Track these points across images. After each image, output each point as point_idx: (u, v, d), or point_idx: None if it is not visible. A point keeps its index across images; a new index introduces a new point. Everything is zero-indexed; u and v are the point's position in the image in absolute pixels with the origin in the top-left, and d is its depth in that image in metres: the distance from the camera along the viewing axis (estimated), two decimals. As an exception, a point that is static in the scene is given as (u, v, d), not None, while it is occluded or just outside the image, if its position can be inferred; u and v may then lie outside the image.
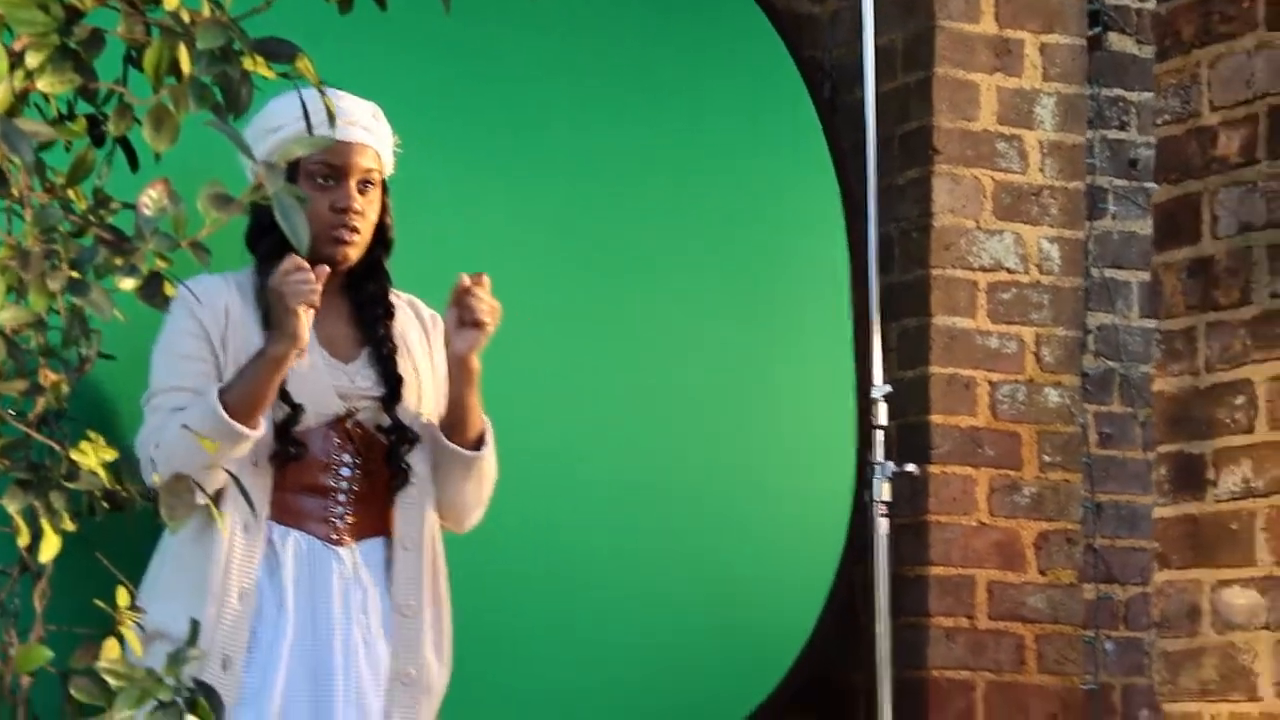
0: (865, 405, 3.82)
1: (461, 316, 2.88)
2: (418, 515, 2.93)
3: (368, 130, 2.93)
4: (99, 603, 1.66)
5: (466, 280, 2.87)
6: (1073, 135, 4.26)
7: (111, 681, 1.55)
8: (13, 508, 1.58)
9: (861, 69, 3.99)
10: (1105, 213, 4.58)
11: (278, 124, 2.88)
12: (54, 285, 1.49)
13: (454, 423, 2.93)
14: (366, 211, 2.91)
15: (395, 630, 2.89)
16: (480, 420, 2.94)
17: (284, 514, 2.88)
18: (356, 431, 2.92)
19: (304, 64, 1.56)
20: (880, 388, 3.74)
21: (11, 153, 1.45)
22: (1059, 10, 4.25)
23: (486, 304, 2.86)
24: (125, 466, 1.64)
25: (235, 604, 2.80)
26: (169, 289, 1.58)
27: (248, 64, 1.51)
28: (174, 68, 1.51)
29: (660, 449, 3.67)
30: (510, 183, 3.60)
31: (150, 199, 1.58)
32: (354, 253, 2.91)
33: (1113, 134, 4.61)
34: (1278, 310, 2.81)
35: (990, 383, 4.15)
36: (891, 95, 4.23)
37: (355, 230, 2.89)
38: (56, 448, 1.62)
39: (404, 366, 2.95)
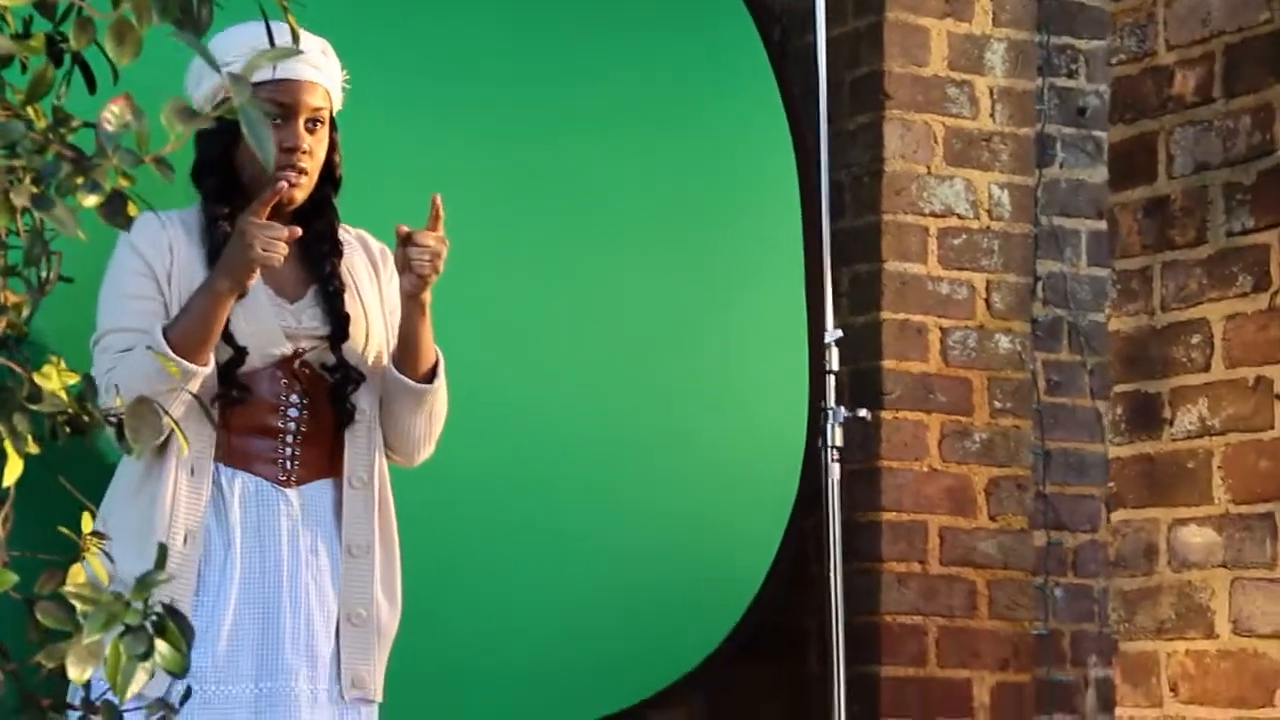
0: (818, 351, 3.81)
1: (406, 261, 2.86)
2: (365, 453, 2.90)
3: (317, 68, 2.90)
4: (63, 529, 1.63)
5: (405, 229, 2.85)
6: (1023, 81, 4.27)
7: (79, 606, 1.52)
8: (-25, 430, 1.55)
9: (813, 14, 3.98)
10: (1054, 160, 4.58)
11: (226, 59, 2.84)
12: (18, 201, 1.46)
13: (405, 355, 2.91)
14: (315, 150, 2.88)
15: (344, 570, 2.87)
16: (432, 353, 2.93)
17: (232, 456, 2.86)
18: (304, 371, 2.90)
19: None
20: (832, 333, 3.73)
21: (-31, 65, 1.43)
22: None
23: (430, 251, 2.84)
24: (88, 390, 1.61)
25: (181, 547, 2.78)
26: (132, 208, 1.54)
27: None
28: (135, -19, 1.51)
29: (611, 396, 3.66)
30: (460, 123, 3.57)
31: (112, 114, 1.51)
32: (300, 193, 2.87)
33: (1061, 82, 4.61)
34: (1234, 249, 2.82)
35: (941, 329, 4.16)
36: (842, 40, 4.22)
37: (303, 171, 2.86)
38: (19, 370, 1.59)
39: (351, 305, 2.93)
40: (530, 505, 3.56)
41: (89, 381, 1.62)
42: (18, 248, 1.58)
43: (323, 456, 2.91)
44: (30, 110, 1.58)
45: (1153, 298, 2.91)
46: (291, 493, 2.89)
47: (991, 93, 4.25)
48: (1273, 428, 2.76)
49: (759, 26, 3.93)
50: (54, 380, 1.61)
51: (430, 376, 2.92)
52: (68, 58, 1.66)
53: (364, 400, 2.92)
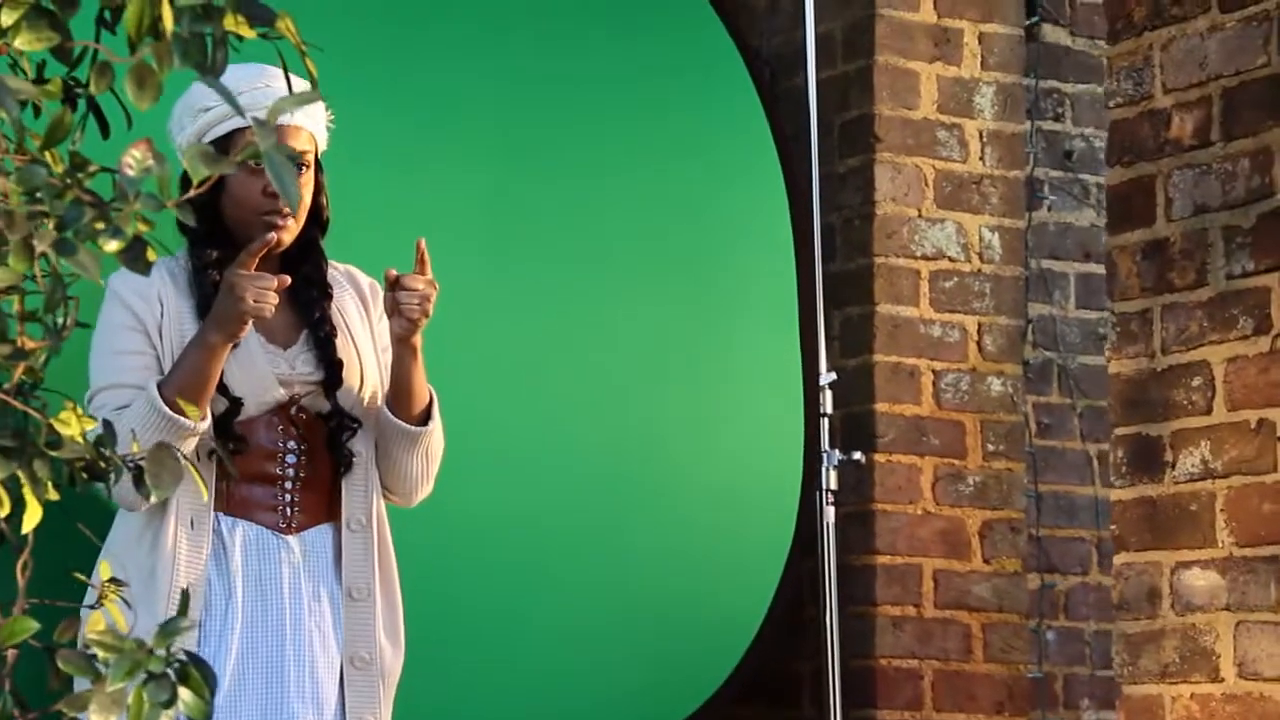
0: (812, 394, 3.81)
1: (395, 305, 2.84)
2: (363, 496, 2.89)
3: (301, 113, 2.88)
4: (79, 575, 1.62)
5: (394, 273, 2.83)
6: (1012, 124, 4.28)
7: (100, 653, 1.51)
8: (-4, 477, 1.54)
9: (802, 57, 4.00)
10: (1041, 203, 4.60)
11: (208, 104, 2.83)
12: (41, 246, 1.45)
13: (398, 396, 2.89)
14: (301, 194, 2.89)
15: (345, 613, 2.86)
16: (425, 393, 2.91)
17: (231, 505, 2.84)
18: (300, 417, 2.89)
19: (285, 24, 1.52)
20: (826, 376, 3.73)
21: (-1, 107, 1.42)
22: (997, 0, 4.26)
23: (419, 295, 2.82)
24: (107, 435, 1.58)
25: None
26: (151, 253, 1.51)
27: (229, 23, 1.47)
28: (153, 26, 1.47)
29: (608, 438, 3.66)
30: (456, 164, 3.58)
31: (134, 159, 1.48)
32: (287, 237, 2.87)
33: (1048, 125, 4.63)
34: (1234, 291, 2.82)
35: (934, 371, 4.16)
36: (832, 83, 4.23)
37: (289, 216, 2.85)
38: (37, 415, 1.58)
39: (344, 348, 2.92)
40: (528, 548, 3.55)
41: (108, 427, 1.62)
42: (33, 293, 1.57)
43: (322, 501, 2.90)
44: (47, 155, 1.58)
45: (1153, 340, 2.91)
46: (292, 539, 2.88)
47: (981, 136, 4.26)
48: (1276, 470, 2.76)
49: (750, 69, 3.94)
50: (73, 426, 1.60)
51: (425, 417, 2.90)
52: (82, 102, 1.66)
53: (360, 443, 2.91)
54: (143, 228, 1.49)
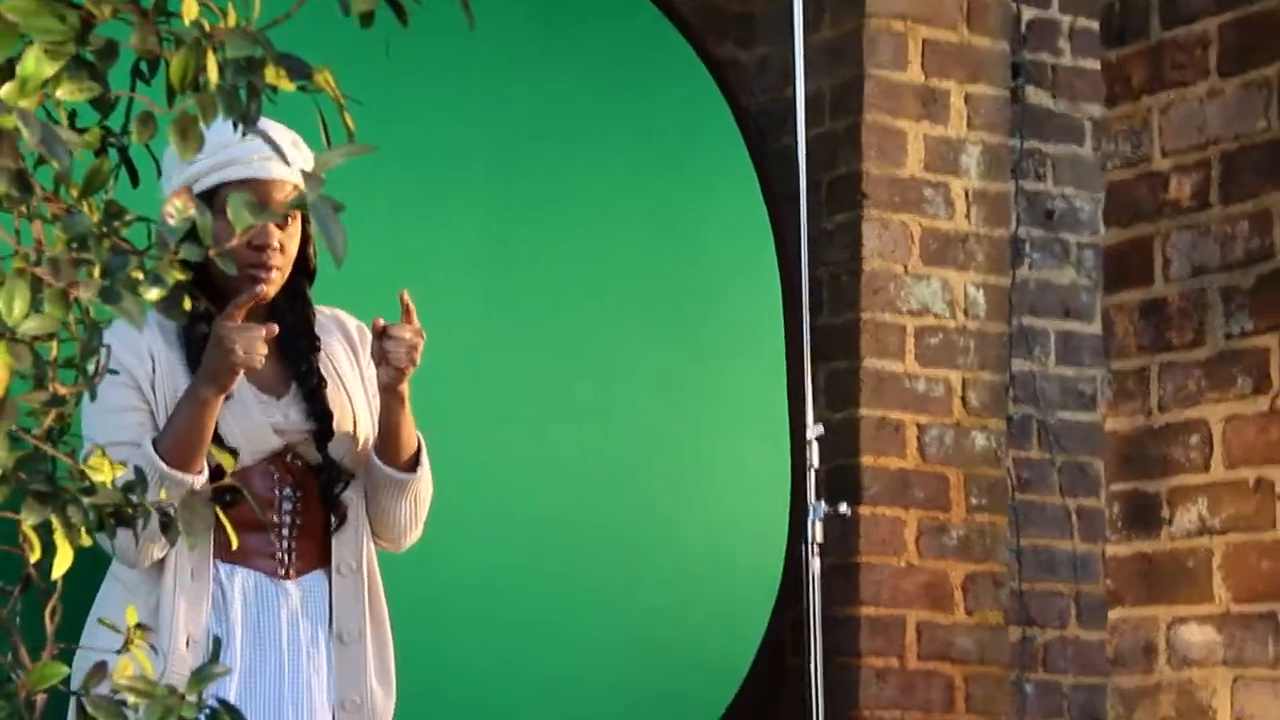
0: (799, 446, 3.83)
1: (383, 354, 2.84)
2: (353, 540, 2.89)
3: (287, 164, 2.79)
4: (103, 621, 1.62)
5: (381, 322, 2.83)
6: (997, 184, 4.32)
7: (131, 699, 1.51)
8: (30, 522, 1.54)
9: (792, 115, 4.03)
10: (1023, 261, 4.63)
11: (194, 156, 2.81)
12: (86, 294, 1.46)
13: (386, 443, 2.89)
14: (286, 245, 2.85)
15: (336, 657, 2.86)
16: (414, 440, 2.90)
17: (230, 552, 2.83)
18: (295, 464, 2.90)
19: (324, 78, 1.54)
20: (814, 429, 3.75)
21: (50, 157, 1.41)
22: (983, 61, 4.32)
23: (405, 344, 2.82)
24: (138, 482, 1.59)
25: (183, 651, 2.76)
26: (187, 301, 1.53)
27: (269, 75, 1.48)
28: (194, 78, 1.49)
29: (593, 490, 3.67)
30: (450, 214, 3.61)
31: (175, 209, 1.50)
32: (273, 289, 2.86)
33: (1030, 185, 4.66)
34: (1233, 351, 2.85)
35: (919, 425, 4.18)
36: (821, 141, 4.26)
37: (274, 268, 2.85)
38: (68, 461, 1.59)
39: (335, 397, 2.92)
40: (518, 596, 3.57)
41: (139, 474, 1.62)
42: (65, 339, 1.58)
43: (317, 547, 2.90)
44: (84, 205, 1.59)
45: (1150, 398, 2.94)
46: (290, 585, 2.88)
47: (967, 194, 4.29)
48: (1274, 528, 2.79)
49: (741, 127, 3.98)
50: (104, 472, 1.60)
51: (413, 464, 2.91)
52: (113, 151, 1.67)
53: (351, 489, 2.91)
54: (180, 276, 1.51)
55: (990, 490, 4.23)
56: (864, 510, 4.12)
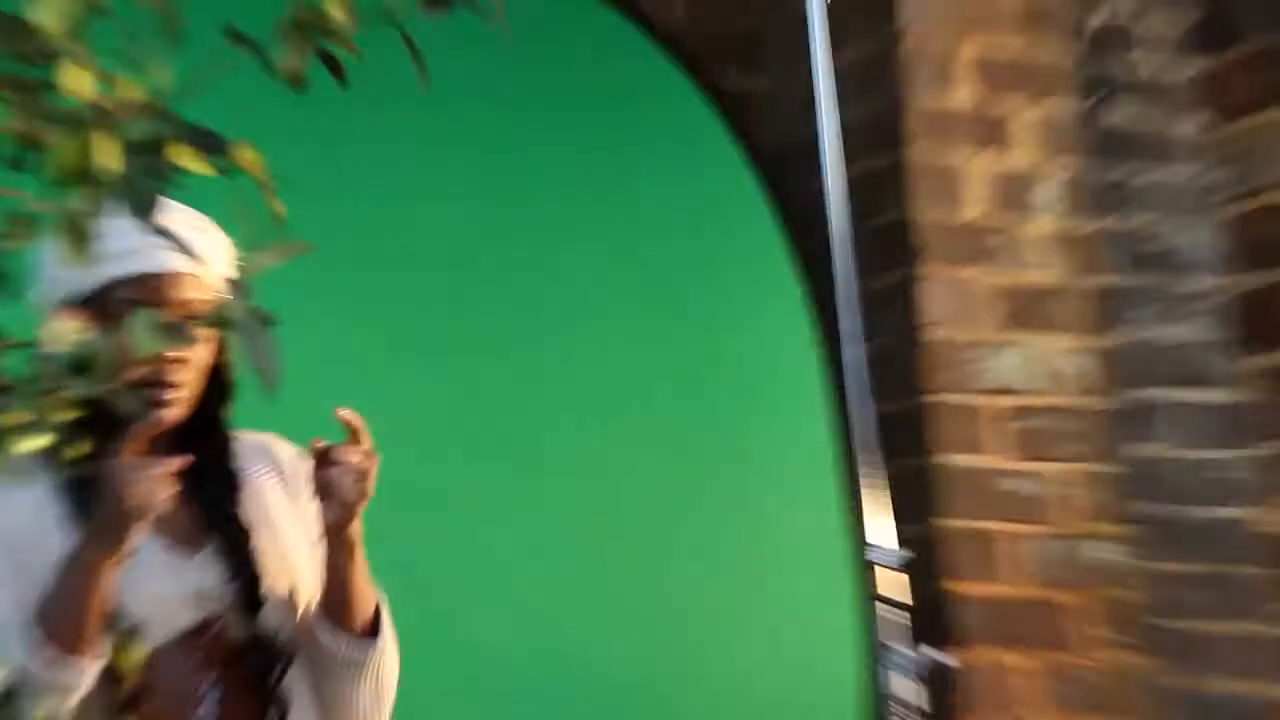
0: (868, 576, 3.20)
1: (326, 486, 2.36)
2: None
3: (186, 254, 2.41)
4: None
5: (321, 445, 2.38)
6: (1083, 223, 3.82)
7: None
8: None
9: (819, 154, 3.42)
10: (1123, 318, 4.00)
11: (64, 258, 2.19)
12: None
13: (335, 602, 2.42)
14: (191, 356, 2.42)
15: None
16: (369, 598, 2.44)
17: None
18: (220, 643, 2.41)
19: (247, 155, 1.37)
20: (891, 552, 3.05)
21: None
22: (1049, 76, 3.85)
23: (355, 471, 2.35)
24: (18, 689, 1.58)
25: None
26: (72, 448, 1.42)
27: (179, 157, 1.35)
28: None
29: (651, 639, 3.56)
30: (409, 305, 3.46)
31: (59, 335, 1.37)
32: (177, 410, 2.40)
33: (1117, 222, 4.04)
34: None
35: (1012, 536, 3.63)
36: (855, 185, 3.66)
37: (171, 385, 2.39)
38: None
39: (267, 550, 2.44)
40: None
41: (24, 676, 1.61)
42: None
43: (251, 760, 2.44)
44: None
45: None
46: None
47: (1045, 239, 3.79)
48: None
49: (759, 174, 3.75)
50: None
51: (371, 629, 2.42)
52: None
53: (295, 672, 2.43)
54: (67, 416, 1.38)
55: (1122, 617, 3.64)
56: (956, 655, 3.56)
